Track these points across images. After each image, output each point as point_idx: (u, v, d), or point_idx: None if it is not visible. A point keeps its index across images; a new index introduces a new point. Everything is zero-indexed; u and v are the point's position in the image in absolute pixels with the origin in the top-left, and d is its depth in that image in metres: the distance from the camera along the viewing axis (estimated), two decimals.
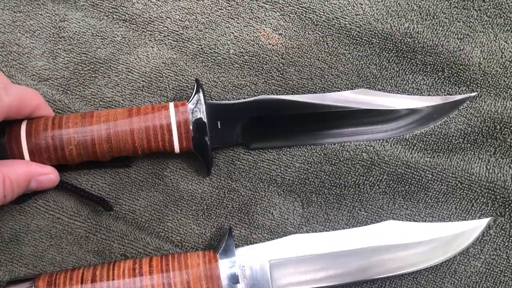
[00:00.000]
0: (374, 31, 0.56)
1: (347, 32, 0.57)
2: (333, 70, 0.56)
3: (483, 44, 0.57)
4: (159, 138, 0.49)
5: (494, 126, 0.54)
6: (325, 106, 0.53)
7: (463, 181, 0.53)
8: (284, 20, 0.57)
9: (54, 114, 0.52)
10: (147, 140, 0.49)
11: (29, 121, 0.49)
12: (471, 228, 0.51)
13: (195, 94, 0.51)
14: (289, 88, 0.56)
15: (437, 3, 0.57)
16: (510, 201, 0.52)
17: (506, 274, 0.51)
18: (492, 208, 0.53)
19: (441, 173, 0.53)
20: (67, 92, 0.54)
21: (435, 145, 0.54)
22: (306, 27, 0.57)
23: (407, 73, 0.56)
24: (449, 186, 0.53)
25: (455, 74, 0.56)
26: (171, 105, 0.50)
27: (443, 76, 0.56)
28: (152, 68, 0.55)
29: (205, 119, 0.50)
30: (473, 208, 0.53)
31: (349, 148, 0.54)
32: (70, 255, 0.51)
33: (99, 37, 0.56)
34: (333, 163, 0.54)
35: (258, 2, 0.57)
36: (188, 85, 0.55)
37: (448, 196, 0.53)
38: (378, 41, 0.56)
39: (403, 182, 0.53)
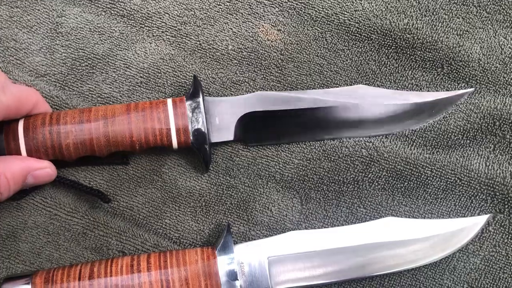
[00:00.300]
0: (373, 27, 0.56)
1: (346, 28, 0.56)
2: (332, 66, 0.56)
3: (482, 40, 0.56)
4: (157, 133, 0.49)
5: (493, 123, 0.54)
6: (324, 102, 0.53)
7: (462, 177, 0.53)
8: (283, 16, 0.57)
9: (52, 111, 0.51)
10: (145, 134, 0.49)
11: (26, 117, 0.49)
12: (470, 225, 0.50)
13: (193, 90, 0.51)
14: (288, 84, 0.55)
15: None
16: (509, 198, 0.52)
17: (505, 271, 0.51)
18: (491, 205, 0.52)
19: (440, 170, 0.53)
20: (65, 88, 0.54)
21: (434, 141, 0.54)
22: (305, 23, 0.57)
23: (406, 69, 0.56)
24: (448, 182, 0.53)
25: (455, 70, 0.56)
26: (169, 100, 0.50)
27: (442, 72, 0.56)
28: (150, 64, 0.55)
29: (203, 114, 0.50)
30: (472, 204, 0.53)
31: (348, 145, 0.53)
32: (68, 252, 0.51)
33: (97, 33, 0.56)
34: (332, 159, 0.53)
35: None
36: (186, 81, 0.55)
37: (447, 192, 0.53)
38: (377, 37, 0.56)
39: (402, 179, 0.53)
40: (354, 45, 0.56)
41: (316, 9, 0.56)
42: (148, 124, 0.49)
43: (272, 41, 0.56)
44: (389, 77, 0.56)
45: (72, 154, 0.49)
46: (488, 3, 0.57)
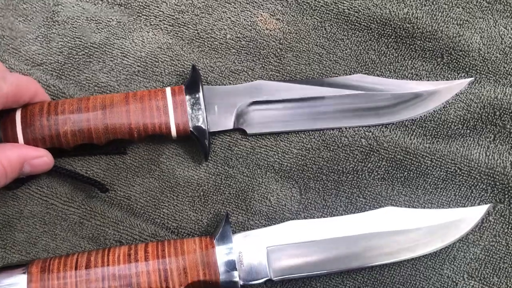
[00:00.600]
0: (373, 16, 0.56)
1: (345, 17, 0.56)
2: (331, 56, 0.55)
3: (482, 30, 0.56)
4: (155, 121, 0.49)
5: (493, 112, 0.53)
6: (323, 91, 0.52)
7: (462, 167, 0.52)
8: (281, 5, 0.56)
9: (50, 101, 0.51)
10: (144, 122, 0.48)
11: (24, 105, 0.49)
12: (470, 215, 0.50)
13: (192, 78, 0.50)
14: (286, 73, 0.55)
15: None
16: (509, 188, 0.52)
17: (505, 261, 0.51)
18: (491, 195, 0.52)
19: (440, 159, 0.52)
20: (61, 77, 0.54)
21: (434, 131, 0.53)
22: (304, 12, 0.56)
23: (406, 59, 0.56)
24: (448, 172, 0.52)
25: (455, 60, 0.55)
26: (168, 89, 0.50)
27: (442, 62, 0.55)
28: (147, 53, 0.55)
29: (202, 102, 0.49)
30: (472, 194, 0.52)
31: (347, 134, 0.53)
32: (64, 242, 0.50)
33: (94, 22, 0.55)
34: (331, 149, 0.53)
35: None
36: (184, 70, 0.54)
37: (447, 182, 0.52)
38: (377, 27, 0.56)
39: (402, 168, 0.53)
40: (353, 35, 0.56)
41: None
42: (147, 112, 0.49)
43: (270, 30, 0.56)
44: (389, 67, 0.55)
45: (70, 142, 0.48)
46: None
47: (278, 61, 0.55)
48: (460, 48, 0.55)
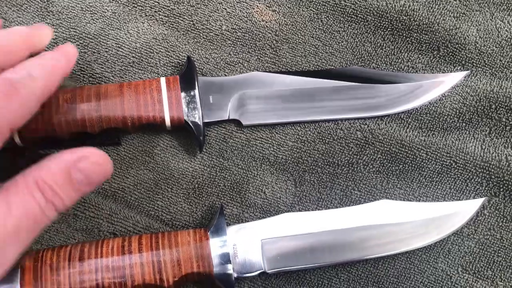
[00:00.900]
0: (370, 8, 0.56)
1: (342, 9, 0.56)
2: (327, 48, 0.55)
3: (479, 23, 0.56)
4: (149, 109, 0.48)
5: (489, 106, 0.53)
6: (319, 83, 0.52)
7: (458, 160, 0.52)
8: None
9: None
10: (137, 109, 0.48)
11: None
12: (465, 208, 0.50)
13: (187, 69, 0.50)
14: (282, 65, 0.55)
15: None
16: (504, 181, 0.52)
17: (500, 254, 0.51)
18: (486, 188, 0.52)
19: (436, 152, 0.52)
20: None
21: (430, 124, 0.53)
22: (300, 3, 0.56)
23: (402, 51, 0.55)
24: (443, 165, 0.52)
25: (451, 53, 0.55)
26: (163, 79, 0.50)
27: (438, 55, 0.55)
28: (142, 43, 0.54)
29: (196, 92, 0.49)
30: (467, 187, 0.52)
31: (343, 127, 0.53)
32: (58, 233, 0.50)
33: (89, 12, 0.55)
34: (326, 141, 0.53)
35: None
36: (179, 62, 0.54)
37: (442, 175, 0.52)
38: (373, 19, 0.56)
39: (397, 161, 0.52)
40: (349, 27, 0.56)
41: None
42: (141, 101, 0.48)
43: (266, 22, 0.55)
44: (385, 59, 0.55)
45: (63, 130, 0.48)
46: None
47: (274, 52, 0.55)
48: (456, 41, 0.55)
